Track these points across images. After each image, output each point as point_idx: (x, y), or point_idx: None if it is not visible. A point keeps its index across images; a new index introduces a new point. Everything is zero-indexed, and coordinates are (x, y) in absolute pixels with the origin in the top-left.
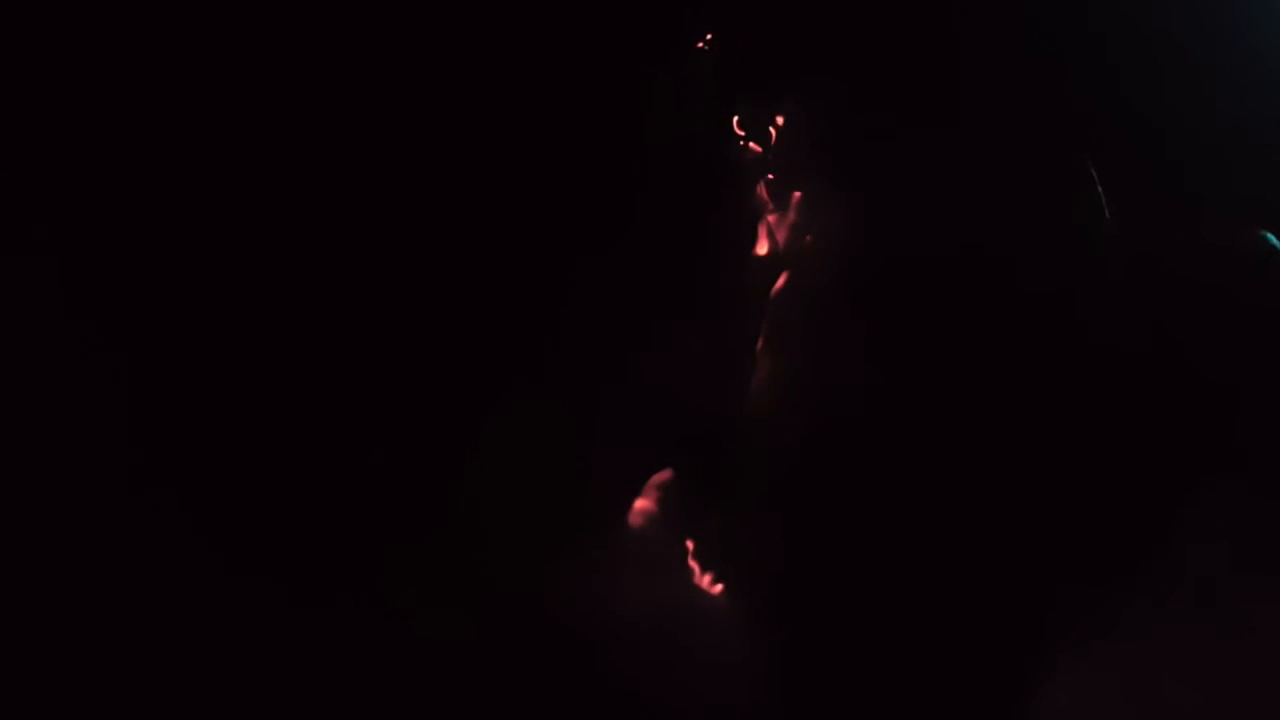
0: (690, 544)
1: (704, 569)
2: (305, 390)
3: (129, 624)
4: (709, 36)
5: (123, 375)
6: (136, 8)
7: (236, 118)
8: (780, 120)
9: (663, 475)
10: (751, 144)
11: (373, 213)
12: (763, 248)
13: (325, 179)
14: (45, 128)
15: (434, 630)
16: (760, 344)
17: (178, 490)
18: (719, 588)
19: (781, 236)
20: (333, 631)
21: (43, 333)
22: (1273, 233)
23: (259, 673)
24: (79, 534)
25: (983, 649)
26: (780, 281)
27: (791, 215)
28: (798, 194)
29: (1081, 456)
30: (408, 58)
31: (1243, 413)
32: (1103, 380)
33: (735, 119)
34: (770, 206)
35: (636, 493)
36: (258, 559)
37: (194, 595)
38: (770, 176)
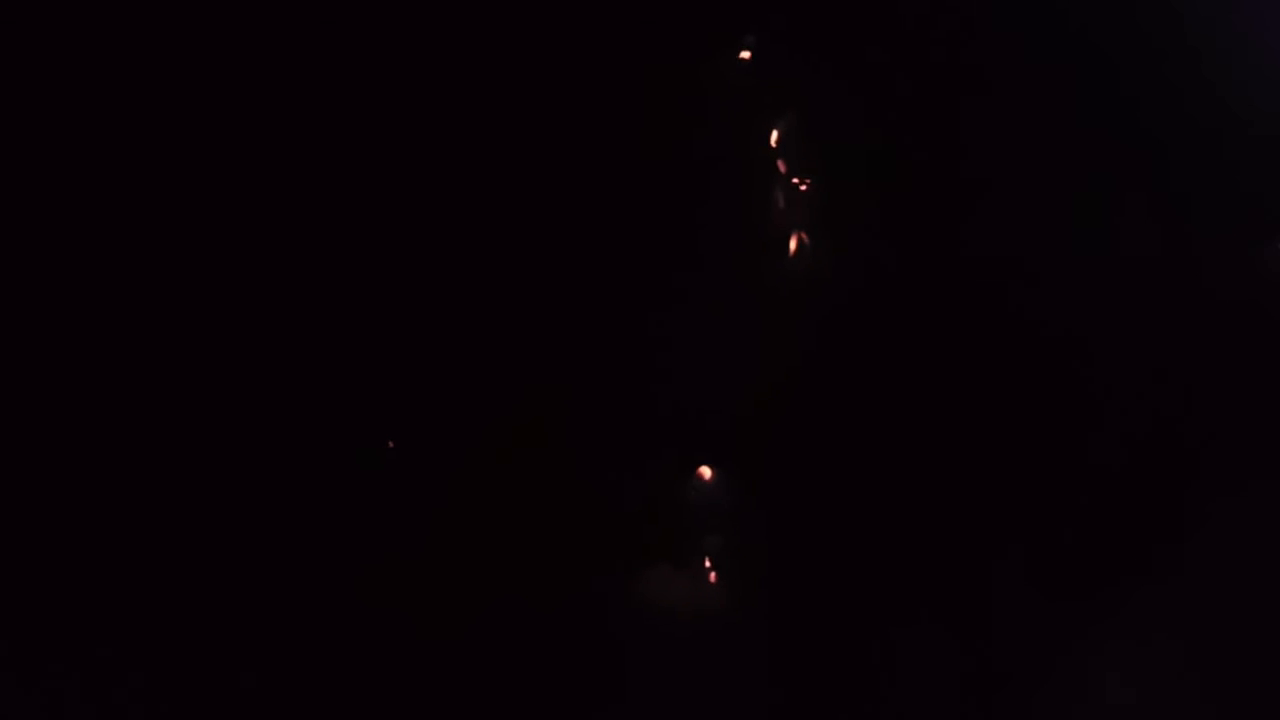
0: (698, 544)
1: (713, 568)
2: (309, 389)
3: (126, 623)
4: (728, 39)
5: (125, 373)
6: (137, 8)
7: (274, 120)
8: (788, 122)
9: (670, 476)
10: (764, 146)
11: (378, 215)
12: (773, 251)
13: (326, 179)
14: (45, 128)
15: (435, 630)
16: (770, 346)
17: (179, 487)
18: (728, 587)
19: (793, 239)
20: (334, 631)
21: (41, 332)
22: (1274, 233)
23: (259, 671)
24: (84, 530)
25: (983, 649)
26: (792, 285)
27: (801, 218)
28: (807, 196)
29: (1082, 458)
30: (426, 59)
31: (1246, 415)
32: (1104, 381)
33: (746, 121)
34: (780, 209)
35: (644, 492)
36: (259, 558)
37: (193, 593)
38: (779, 176)
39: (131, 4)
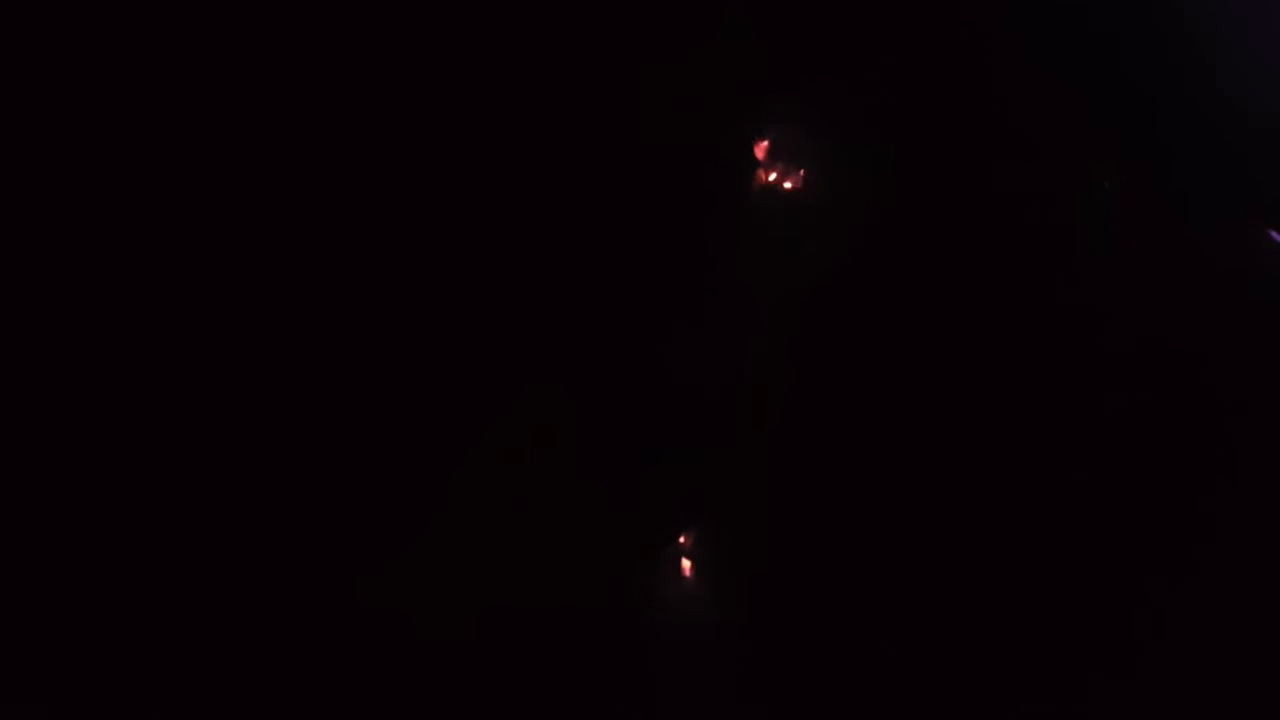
0: (685, 541)
1: (699, 566)
2: (309, 389)
3: (128, 623)
4: (718, 38)
5: (122, 373)
6: (137, 8)
7: (262, 119)
8: (786, 122)
9: (659, 473)
10: (757, 145)
11: (372, 215)
12: (764, 248)
13: (324, 179)
14: (46, 128)
15: (434, 629)
16: (760, 343)
17: (180, 488)
18: (715, 584)
19: (784, 237)
20: (333, 630)
21: (41, 333)
22: (1273, 231)
23: (259, 671)
24: (83, 533)
25: (977, 649)
26: (783, 282)
27: (795, 217)
28: (800, 194)
29: (1081, 457)
30: (419, 60)
31: (1244, 413)
32: (1103, 378)
33: (741, 120)
34: (773, 208)
35: (633, 491)
36: (261, 557)
37: (195, 594)
38: (771, 178)
39: (132, 4)
